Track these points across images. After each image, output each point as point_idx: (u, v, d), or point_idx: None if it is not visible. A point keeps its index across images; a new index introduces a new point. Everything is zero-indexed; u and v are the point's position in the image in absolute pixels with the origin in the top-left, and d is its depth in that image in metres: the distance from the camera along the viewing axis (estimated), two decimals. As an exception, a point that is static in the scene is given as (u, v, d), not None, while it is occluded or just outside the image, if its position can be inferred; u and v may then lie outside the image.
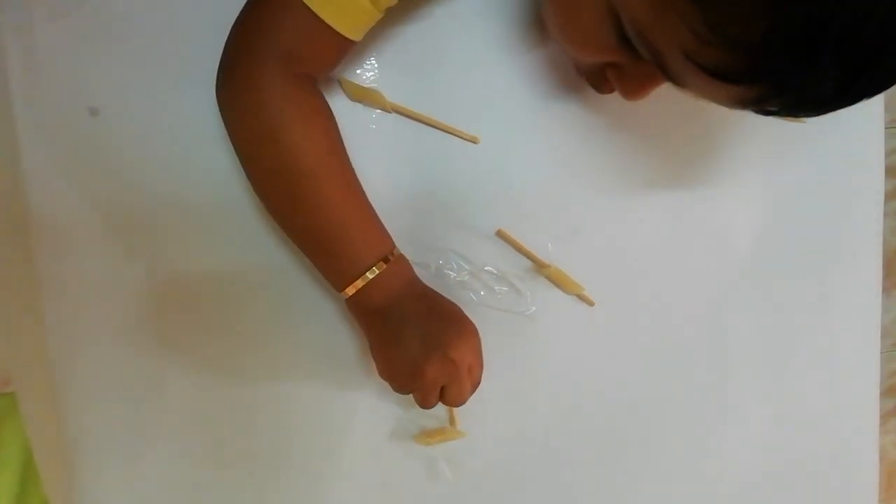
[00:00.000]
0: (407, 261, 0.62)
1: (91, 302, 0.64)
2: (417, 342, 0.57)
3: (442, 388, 0.58)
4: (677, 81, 0.46)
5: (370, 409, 0.67)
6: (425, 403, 0.59)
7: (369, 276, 0.58)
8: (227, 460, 0.67)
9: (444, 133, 0.65)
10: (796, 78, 0.39)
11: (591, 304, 0.69)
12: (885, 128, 0.75)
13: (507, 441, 0.70)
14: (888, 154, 1.15)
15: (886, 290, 1.28)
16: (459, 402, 0.60)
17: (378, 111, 0.64)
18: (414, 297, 0.60)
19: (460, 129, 0.65)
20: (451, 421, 0.67)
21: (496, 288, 0.67)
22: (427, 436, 0.68)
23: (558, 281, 0.67)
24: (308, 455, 0.68)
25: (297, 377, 0.67)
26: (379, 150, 0.64)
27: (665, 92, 0.67)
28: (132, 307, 0.64)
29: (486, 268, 0.67)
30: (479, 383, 0.61)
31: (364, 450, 0.68)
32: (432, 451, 0.69)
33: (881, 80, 0.40)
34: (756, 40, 0.38)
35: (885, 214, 1.00)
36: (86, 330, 0.64)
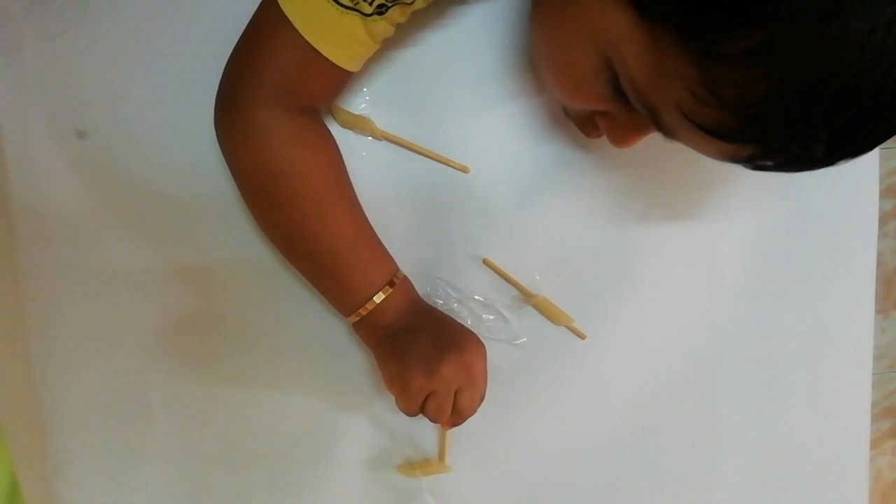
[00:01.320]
0: (409, 280, 0.62)
1: (76, 320, 0.64)
2: (430, 345, 0.58)
3: (455, 395, 0.58)
4: (669, 134, 0.46)
5: (354, 437, 0.67)
6: (441, 410, 0.58)
7: (376, 300, 0.58)
8: (210, 485, 0.67)
9: (434, 161, 0.64)
10: (789, 139, 0.39)
11: (582, 336, 0.68)
12: (883, 148, 0.75)
13: (494, 474, 0.70)
14: (890, 174, 1.15)
15: (884, 311, 1.27)
16: (473, 407, 0.60)
17: (369, 138, 0.64)
18: (420, 311, 0.61)
19: (450, 158, 0.64)
20: (442, 453, 0.67)
21: (484, 316, 0.67)
22: (411, 467, 0.67)
23: (546, 311, 0.67)
24: (291, 481, 0.68)
25: (283, 402, 0.67)
26: (369, 178, 0.63)
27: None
28: (117, 325, 0.64)
29: (474, 296, 0.67)
30: (483, 397, 0.61)
31: (346, 477, 0.68)
32: (417, 483, 0.68)
33: (866, 144, 0.41)
34: (753, 103, 0.38)
35: (886, 235, 0.99)
36: (71, 349, 0.64)
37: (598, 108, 0.52)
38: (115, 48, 0.61)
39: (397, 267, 0.61)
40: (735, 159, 0.44)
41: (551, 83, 0.54)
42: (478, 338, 0.61)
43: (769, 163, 0.42)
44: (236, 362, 0.66)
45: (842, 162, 0.41)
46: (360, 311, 0.59)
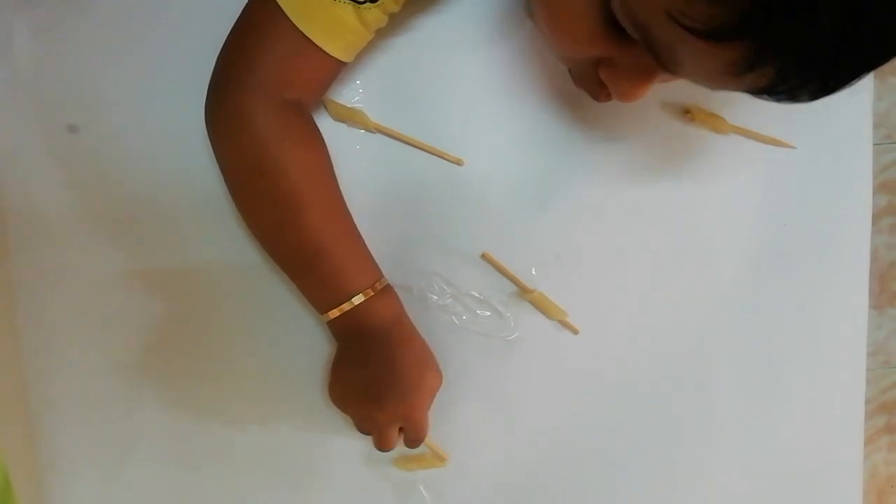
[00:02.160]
0: (395, 295, 0.61)
1: (67, 318, 0.64)
2: (377, 384, 0.59)
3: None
4: (668, 63, 0.44)
5: (350, 431, 0.66)
6: (383, 444, 0.61)
7: (355, 301, 0.58)
8: (203, 483, 0.66)
9: (428, 154, 0.64)
10: (789, 32, 0.36)
11: (574, 331, 0.68)
12: (878, 144, 0.75)
13: (489, 467, 0.69)
14: (882, 170, 1.15)
15: (879, 307, 1.28)
16: (415, 441, 0.62)
17: (362, 131, 0.63)
18: (392, 338, 0.60)
19: (444, 151, 0.64)
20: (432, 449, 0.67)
21: (479, 312, 0.67)
22: (407, 461, 0.67)
23: (541, 306, 0.67)
24: (285, 477, 0.67)
25: (276, 396, 0.66)
26: (363, 171, 0.63)
27: (655, 119, 0.67)
28: (109, 325, 0.64)
29: (469, 291, 0.66)
30: (424, 434, 0.62)
31: (342, 472, 0.68)
32: (412, 477, 0.68)
33: (883, 42, 0.37)
34: None
35: (880, 231, 0.99)
36: (62, 348, 0.64)
37: (598, 54, 0.51)
38: (106, 42, 0.61)
39: (381, 275, 0.60)
40: (736, 73, 0.40)
41: (549, 33, 0.53)
42: (433, 375, 0.61)
43: (772, 76, 0.39)
44: (229, 362, 0.66)
45: (852, 72, 0.38)
46: (332, 312, 0.58)
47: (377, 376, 0.59)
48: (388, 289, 0.61)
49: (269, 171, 0.55)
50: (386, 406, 0.59)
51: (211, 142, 0.57)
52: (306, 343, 0.66)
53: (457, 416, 0.67)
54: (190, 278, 0.64)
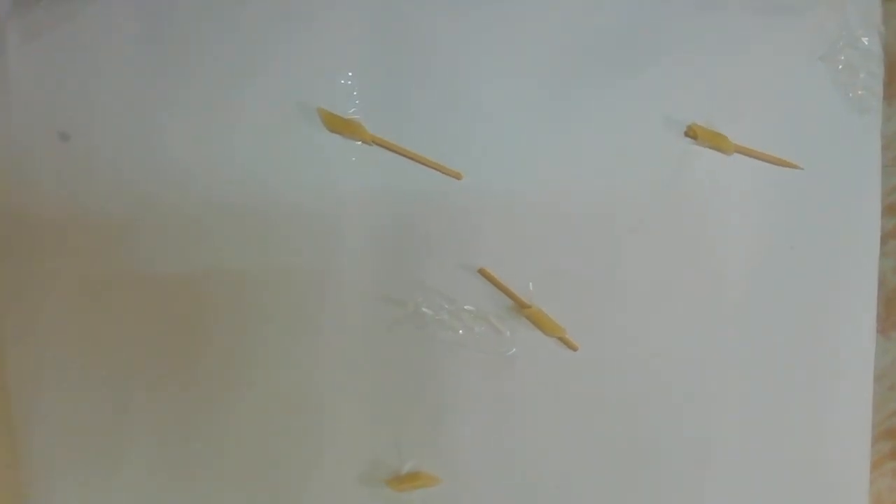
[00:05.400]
0: None
1: (54, 329, 0.63)
2: None
3: None
4: None
5: (342, 450, 0.66)
6: None
7: None
8: (192, 496, 0.65)
9: (426, 167, 0.63)
10: None
11: (573, 348, 0.67)
12: (886, 166, 0.74)
13: (485, 486, 0.68)
14: (890, 192, 1.15)
15: (885, 331, 1.26)
16: None
17: (359, 143, 0.63)
18: None
19: (443, 164, 0.63)
20: None
21: (475, 328, 0.66)
22: (401, 481, 0.66)
23: (539, 322, 0.65)
24: (277, 496, 0.66)
25: (267, 418, 0.65)
26: (359, 184, 0.63)
27: (657, 137, 0.67)
28: (97, 334, 0.63)
29: (465, 306, 0.65)
30: None
31: (334, 492, 0.66)
32: (407, 498, 0.67)
33: None
34: None
35: (886, 254, 0.98)
36: (49, 359, 0.63)
37: None
38: (99, 49, 0.61)
39: None
40: None
41: None
42: None
43: None
44: (220, 375, 0.65)
45: None
46: None
47: None
48: None
49: None
50: None
51: None
52: (300, 356, 0.65)
53: (452, 433, 0.66)
54: (181, 287, 0.63)
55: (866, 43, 0.69)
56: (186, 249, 0.63)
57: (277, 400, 0.65)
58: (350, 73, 0.62)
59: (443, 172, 0.63)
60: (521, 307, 0.65)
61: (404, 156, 0.63)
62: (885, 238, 0.76)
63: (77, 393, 0.64)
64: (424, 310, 0.65)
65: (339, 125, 0.62)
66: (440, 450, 0.66)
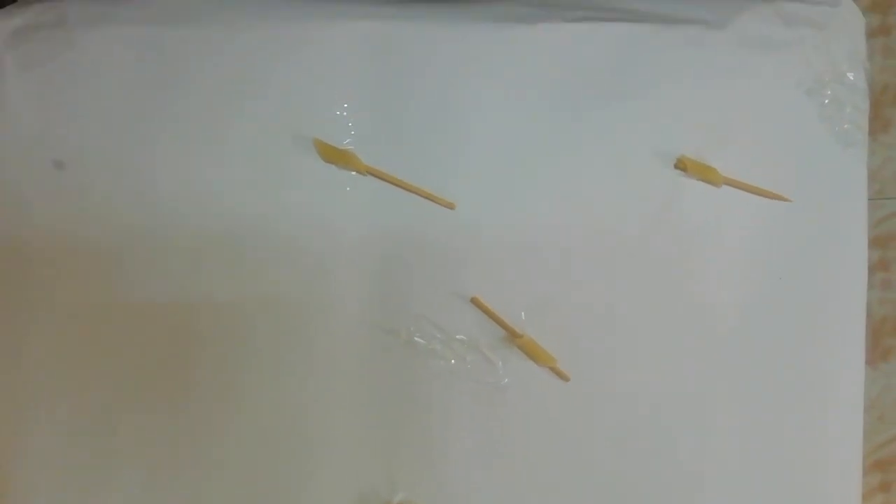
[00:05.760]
0: None
1: (44, 357, 0.63)
2: None
3: None
4: None
5: (333, 479, 0.65)
6: None
7: None
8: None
9: (419, 197, 0.64)
10: None
11: (566, 379, 0.67)
12: (871, 199, 0.75)
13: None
14: (876, 224, 1.15)
15: (872, 362, 1.26)
16: None
17: (353, 173, 0.63)
18: None
19: (436, 194, 0.64)
20: None
21: (468, 357, 0.66)
22: (393, 512, 0.65)
23: (531, 352, 0.66)
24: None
25: (258, 439, 0.65)
26: (353, 213, 0.63)
27: (647, 169, 0.67)
28: (87, 362, 0.63)
29: (457, 336, 0.65)
30: None
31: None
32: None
33: None
34: None
35: (872, 286, 0.99)
36: (38, 387, 0.63)
37: None
38: (94, 79, 0.62)
39: None
40: None
41: None
42: None
43: None
44: (210, 404, 0.64)
45: None
46: None
47: None
48: None
49: None
50: None
51: None
52: (292, 385, 0.64)
53: (444, 463, 0.66)
54: (173, 315, 0.63)
55: (852, 78, 0.70)
56: (179, 278, 0.63)
57: (268, 428, 0.64)
58: (345, 105, 0.63)
59: (436, 202, 0.64)
60: (513, 336, 0.65)
61: (398, 186, 0.63)
62: (872, 270, 0.76)
63: (65, 420, 0.63)
64: (417, 339, 0.65)
65: (334, 155, 0.62)
66: (432, 480, 0.65)
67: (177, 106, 0.61)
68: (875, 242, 1.17)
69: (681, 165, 0.67)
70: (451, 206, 0.64)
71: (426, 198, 0.64)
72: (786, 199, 0.69)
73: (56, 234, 0.62)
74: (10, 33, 0.61)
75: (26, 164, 0.61)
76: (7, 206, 0.61)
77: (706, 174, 0.67)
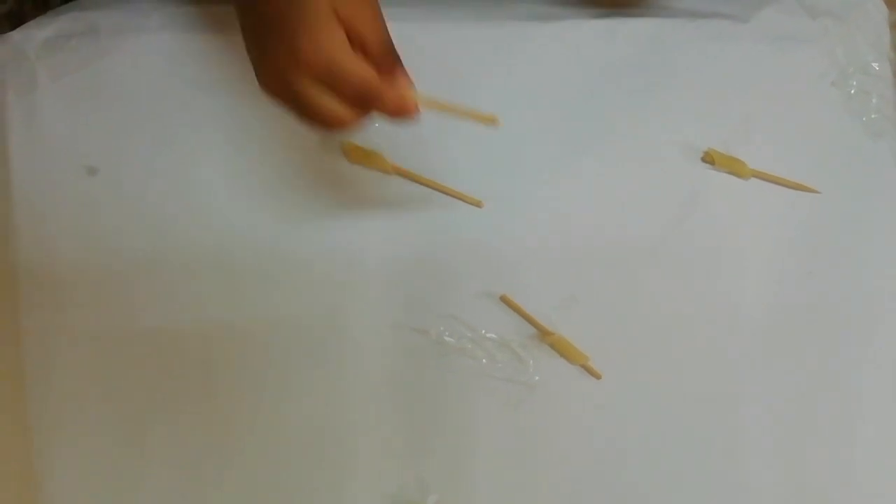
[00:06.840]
0: None
1: (76, 372, 0.63)
2: (270, 33, 0.49)
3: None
4: None
5: (364, 483, 0.65)
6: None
7: None
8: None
9: (447, 196, 0.64)
10: None
11: (597, 376, 0.66)
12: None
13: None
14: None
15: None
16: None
17: (379, 173, 0.63)
18: None
19: (464, 193, 0.64)
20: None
21: (498, 356, 0.65)
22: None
23: (562, 350, 0.65)
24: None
25: (287, 443, 0.65)
26: (380, 213, 0.63)
27: (674, 162, 0.67)
28: (119, 381, 0.63)
29: (488, 335, 0.65)
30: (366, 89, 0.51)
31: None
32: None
33: None
34: None
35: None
36: (70, 404, 0.63)
37: None
38: (126, 87, 0.62)
39: None
40: None
41: None
42: None
43: None
44: (239, 409, 0.64)
45: None
46: None
47: (269, 20, 0.49)
48: None
49: None
50: (286, 48, 0.48)
51: None
52: (321, 387, 0.64)
53: (475, 465, 0.65)
54: (203, 334, 0.63)
55: (877, 68, 0.70)
56: (209, 276, 0.63)
57: (297, 433, 0.64)
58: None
59: (464, 201, 0.64)
60: (543, 335, 0.65)
61: (425, 185, 0.64)
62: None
63: (95, 437, 0.63)
64: (447, 338, 0.64)
65: (361, 156, 0.62)
66: (463, 482, 0.65)
67: (208, 112, 0.61)
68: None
69: (708, 159, 0.67)
70: (479, 205, 0.64)
71: (453, 196, 0.64)
72: (814, 191, 0.69)
73: (87, 245, 0.62)
74: (42, 43, 0.62)
75: (60, 172, 0.61)
76: (40, 216, 0.62)
77: (734, 167, 0.67)
